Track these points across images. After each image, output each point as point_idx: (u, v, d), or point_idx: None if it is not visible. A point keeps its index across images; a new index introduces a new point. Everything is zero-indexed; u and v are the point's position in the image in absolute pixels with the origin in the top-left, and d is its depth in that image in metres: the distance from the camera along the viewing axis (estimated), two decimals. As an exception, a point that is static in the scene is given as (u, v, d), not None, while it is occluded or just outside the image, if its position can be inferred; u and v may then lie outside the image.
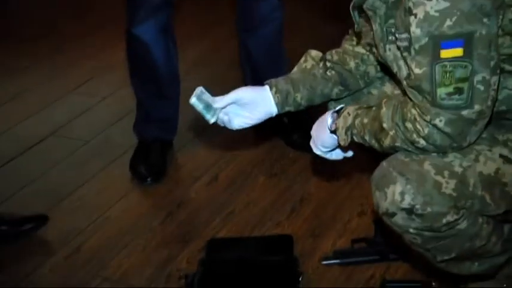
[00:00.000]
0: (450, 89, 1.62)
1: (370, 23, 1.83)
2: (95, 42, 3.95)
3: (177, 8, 2.78)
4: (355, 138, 1.83)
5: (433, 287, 2.15)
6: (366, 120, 1.79)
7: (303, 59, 2.07)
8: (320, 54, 2.06)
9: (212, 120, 1.94)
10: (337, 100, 2.07)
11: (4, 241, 2.46)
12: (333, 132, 1.88)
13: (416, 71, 1.64)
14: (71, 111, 3.28)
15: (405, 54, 1.68)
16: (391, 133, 1.73)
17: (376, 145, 1.79)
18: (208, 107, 1.93)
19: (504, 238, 1.87)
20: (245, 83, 2.82)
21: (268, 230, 2.49)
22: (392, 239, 2.02)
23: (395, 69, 1.78)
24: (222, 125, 1.99)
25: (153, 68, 2.76)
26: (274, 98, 1.99)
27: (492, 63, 1.62)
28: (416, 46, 1.63)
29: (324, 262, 2.32)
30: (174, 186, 2.76)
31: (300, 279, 2.23)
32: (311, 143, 1.99)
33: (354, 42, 2.06)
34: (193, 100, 1.91)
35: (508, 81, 1.73)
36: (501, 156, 1.73)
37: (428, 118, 1.65)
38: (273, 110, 2.00)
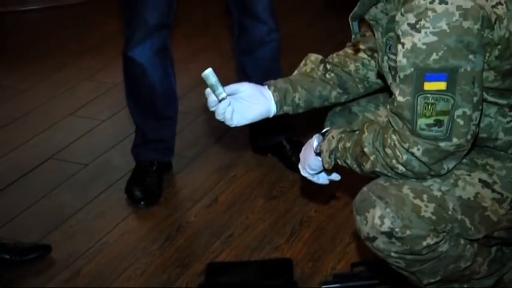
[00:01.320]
0: (430, 121, 1.64)
1: (372, 30, 1.84)
2: (95, 63, 3.96)
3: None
4: (338, 162, 1.84)
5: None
6: (348, 144, 1.80)
7: (302, 62, 2.08)
8: (320, 57, 2.07)
9: (223, 95, 1.87)
10: (338, 105, 2.08)
11: (6, 269, 2.44)
12: (318, 154, 1.89)
13: (400, 98, 1.66)
14: (71, 134, 3.27)
15: (393, 73, 1.70)
16: (372, 158, 1.74)
17: (357, 169, 1.80)
18: (218, 83, 1.88)
19: (491, 258, 1.87)
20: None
21: (268, 254, 2.48)
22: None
23: (389, 81, 1.80)
24: (222, 118, 1.92)
25: (150, 89, 2.76)
26: (273, 96, 1.98)
27: (475, 99, 1.63)
28: (401, 75, 1.64)
29: (324, 286, 2.31)
30: (173, 210, 2.75)
31: (300, 303, 2.23)
32: (299, 165, 2.00)
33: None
34: (209, 70, 1.86)
35: (491, 109, 1.75)
36: (480, 180, 1.74)
37: (406, 146, 1.67)
38: (271, 108, 1.99)
